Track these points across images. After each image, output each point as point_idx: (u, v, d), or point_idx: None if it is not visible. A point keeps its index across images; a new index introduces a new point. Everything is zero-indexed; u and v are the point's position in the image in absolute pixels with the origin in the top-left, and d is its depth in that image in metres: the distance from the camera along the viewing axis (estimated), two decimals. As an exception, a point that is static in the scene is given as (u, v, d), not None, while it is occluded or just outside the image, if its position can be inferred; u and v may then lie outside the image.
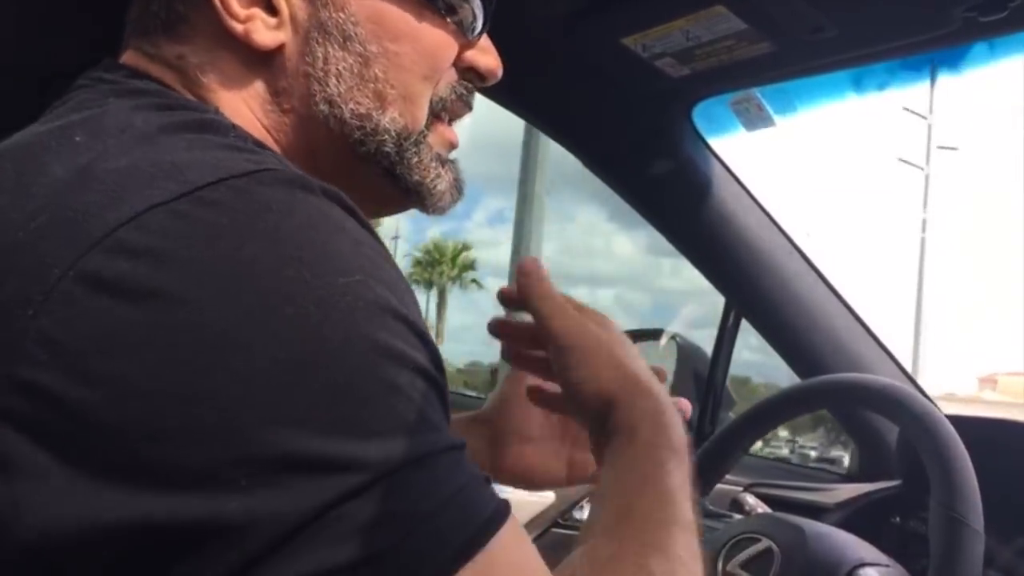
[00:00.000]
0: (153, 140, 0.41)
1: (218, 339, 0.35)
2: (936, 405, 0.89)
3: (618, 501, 0.49)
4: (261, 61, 0.51)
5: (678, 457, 0.51)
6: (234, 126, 0.46)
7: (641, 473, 0.50)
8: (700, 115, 1.09)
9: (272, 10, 0.51)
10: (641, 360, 0.57)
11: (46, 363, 0.35)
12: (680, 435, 0.53)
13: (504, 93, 0.97)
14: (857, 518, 1.07)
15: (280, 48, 0.51)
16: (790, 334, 1.25)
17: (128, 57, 0.52)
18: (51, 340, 0.35)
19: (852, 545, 0.81)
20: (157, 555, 0.34)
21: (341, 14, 0.52)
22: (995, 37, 0.84)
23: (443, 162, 0.58)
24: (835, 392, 0.93)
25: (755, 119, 1.05)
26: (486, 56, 0.59)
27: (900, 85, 0.92)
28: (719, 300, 1.32)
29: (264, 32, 0.51)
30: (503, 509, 0.39)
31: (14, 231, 0.37)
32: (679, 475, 0.50)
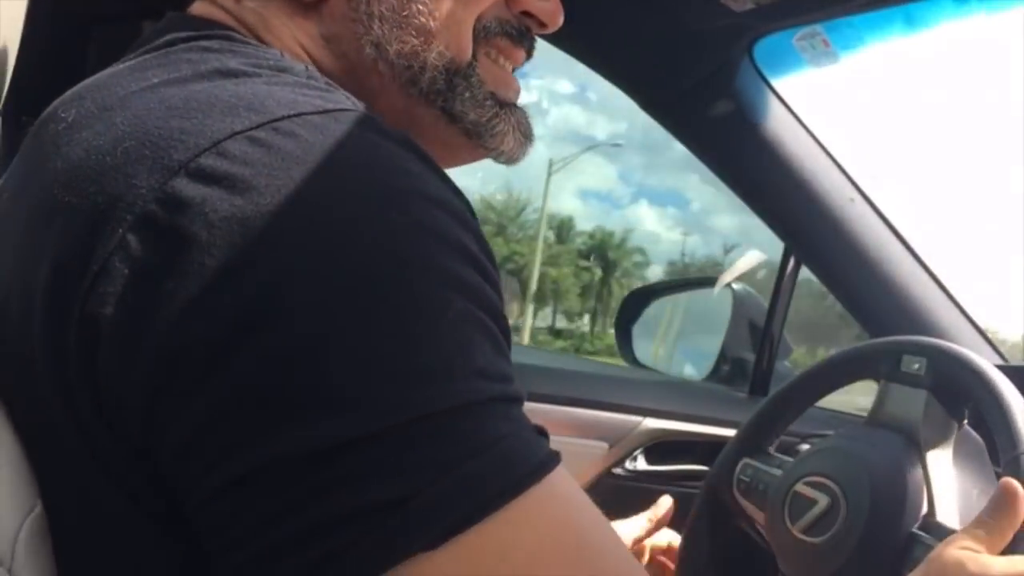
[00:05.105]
0: (235, 75, 0.42)
1: (289, 265, 0.36)
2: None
3: None
4: (309, 7, 0.52)
5: None
6: (307, 68, 0.46)
7: None
8: (760, 53, 1.05)
9: None
10: None
11: (126, 279, 0.36)
12: None
13: (555, 32, 0.94)
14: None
15: None
16: (854, 285, 1.21)
17: (197, 6, 0.53)
18: (133, 258, 0.37)
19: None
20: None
21: None
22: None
23: (500, 103, 0.57)
24: (897, 353, 0.90)
25: (820, 56, 1.01)
26: (543, 1, 0.58)
27: (967, 14, 0.87)
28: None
29: None
30: (548, 461, 0.38)
31: (102, 156, 0.39)
32: None
